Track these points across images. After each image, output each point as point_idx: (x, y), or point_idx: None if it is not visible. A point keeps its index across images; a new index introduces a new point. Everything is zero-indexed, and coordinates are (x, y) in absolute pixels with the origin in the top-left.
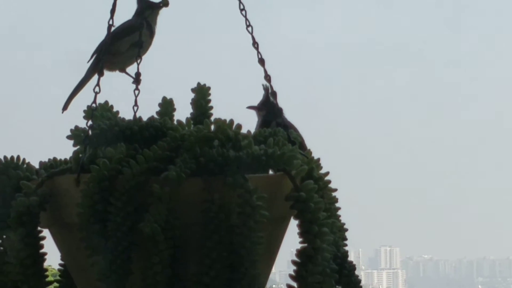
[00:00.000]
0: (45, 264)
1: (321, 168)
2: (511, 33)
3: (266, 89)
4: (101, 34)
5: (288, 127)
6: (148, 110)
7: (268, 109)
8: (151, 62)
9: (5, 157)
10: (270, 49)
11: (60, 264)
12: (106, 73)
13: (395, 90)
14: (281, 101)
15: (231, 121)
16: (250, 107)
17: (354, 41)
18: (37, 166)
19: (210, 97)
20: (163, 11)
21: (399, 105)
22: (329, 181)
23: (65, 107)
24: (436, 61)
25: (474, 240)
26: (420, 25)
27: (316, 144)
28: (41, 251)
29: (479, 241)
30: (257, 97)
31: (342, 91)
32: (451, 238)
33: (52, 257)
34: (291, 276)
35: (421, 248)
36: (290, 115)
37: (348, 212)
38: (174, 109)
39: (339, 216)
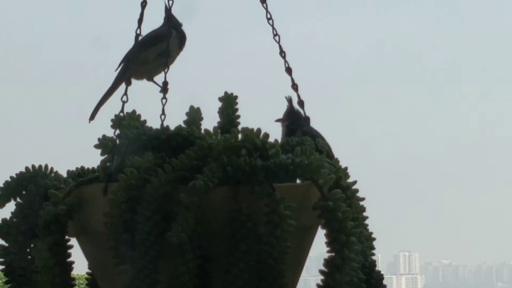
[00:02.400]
0: (73, 273)
1: (348, 177)
2: None
3: (289, 100)
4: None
5: (315, 135)
6: (176, 119)
7: (292, 118)
8: (180, 70)
9: (33, 166)
10: (302, 56)
11: (87, 273)
12: (134, 82)
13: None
14: (311, 110)
15: (258, 130)
16: (277, 120)
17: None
18: (65, 175)
19: (237, 106)
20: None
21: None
22: (357, 190)
23: (92, 117)
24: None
25: (493, 245)
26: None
27: (343, 151)
28: (69, 259)
29: (499, 246)
30: (285, 106)
31: (372, 99)
32: (470, 243)
33: (80, 266)
34: (318, 286)
35: (440, 253)
36: (318, 123)
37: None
38: (202, 118)
39: (367, 225)
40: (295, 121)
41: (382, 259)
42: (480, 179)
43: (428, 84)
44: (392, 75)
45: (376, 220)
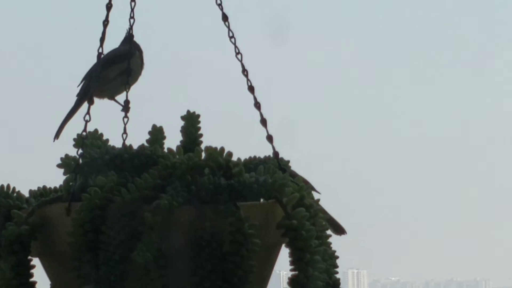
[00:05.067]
0: None
1: (311, 195)
2: None
3: None
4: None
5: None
6: (138, 138)
7: None
8: (141, 90)
9: None
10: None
11: None
12: (96, 100)
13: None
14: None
15: (222, 148)
16: None
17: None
18: (26, 194)
19: (199, 125)
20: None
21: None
22: (320, 208)
23: (56, 136)
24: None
25: (441, 262)
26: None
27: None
28: (31, 279)
29: (446, 263)
30: (248, 123)
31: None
32: (418, 260)
33: (42, 286)
34: None
35: (388, 271)
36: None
37: None
38: (164, 137)
39: (330, 243)
40: None
41: None
42: (427, 197)
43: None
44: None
45: None
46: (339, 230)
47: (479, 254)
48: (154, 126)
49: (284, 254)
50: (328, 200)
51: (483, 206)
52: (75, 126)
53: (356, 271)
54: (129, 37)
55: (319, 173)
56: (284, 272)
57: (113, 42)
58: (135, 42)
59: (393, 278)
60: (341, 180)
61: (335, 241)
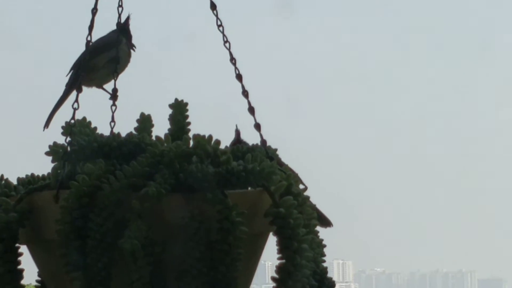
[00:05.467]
0: (22, 281)
1: (299, 183)
2: None
3: (236, 131)
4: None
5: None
6: (127, 126)
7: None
8: (129, 78)
9: None
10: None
11: (37, 281)
12: (84, 89)
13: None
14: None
15: (210, 136)
16: None
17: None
18: (15, 182)
19: (187, 113)
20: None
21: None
22: (308, 197)
23: (46, 124)
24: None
25: (426, 253)
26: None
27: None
28: (19, 267)
29: (432, 254)
30: (235, 112)
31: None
32: (403, 251)
33: (28, 274)
34: None
35: (374, 262)
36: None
37: None
38: (152, 125)
39: (318, 232)
40: None
41: None
42: (413, 189)
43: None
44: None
45: None
46: (325, 222)
47: (464, 245)
48: (142, 114)
49: (269, 245)
50: (314, 191)
51: (468, 198)
52: (64, 114)
53: (342, 261)
54: (117, 25)
55: (307, 165)
56: (270, 263)
57: (101, 30)
58: (126, 29)
59: (378, 269)
60: (326, 171)
61: (321, 232)
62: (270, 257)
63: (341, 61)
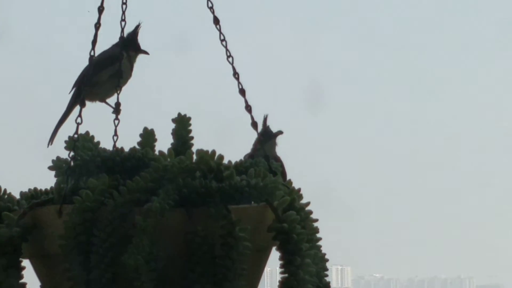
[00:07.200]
0: None
1: (302, 198)
2: None
3: (264, 118)
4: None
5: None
6: (130, 141)
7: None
8: (132, 92)
9: None
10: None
11: None
12: (87, 103)
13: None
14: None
15: (213, 151)
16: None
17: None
18: (18, 196)
19: (190, 127)
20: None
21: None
22: (311, 212)
23: (51, 141)
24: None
25: (425, 259)
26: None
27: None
28: (22, 281)
29: (430, 260)
30: (238, 126)
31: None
32: (402, 257)
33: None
34: None
35: (372, 267)
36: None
37: None
38: (155, 140)
39: (321, 246)
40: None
41: None
42: (411, 193)
43: None
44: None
45: None
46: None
47: (463, 251)
48: (145, 129)
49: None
50: (313, 196)
51: (467, 205)
52: (67, 129)
53: (340, 267)
54: (119, 39)
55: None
56: (269, 268)
57: (104, 44)
58: (134, 38)
59: (377, 275)
60: (325, 176)
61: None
62: (269, 263)
63: None
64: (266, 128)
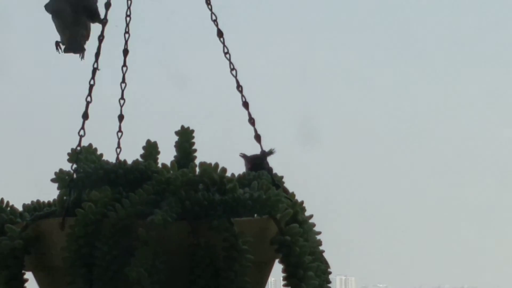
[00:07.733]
0: None
1: (305, 210)
2: None
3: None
4: None
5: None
6: (133, 153)
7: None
8: (136, 104)
9: None
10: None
11: None
12: (90, 115)
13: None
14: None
15: (216, 164)
16: (242, 155)
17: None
18: (20, 208)
19: (194, 140)
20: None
21: None
22: (314, 224)
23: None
24: None
25: (429, 269)
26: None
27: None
28: None
29: (434, 270)
30: (241, 139)
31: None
32: (406, 267)
33: None
34: None
35: (377, 277)
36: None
37: None
38: (158, 152)
39: (323, 258)
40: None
41: None
42: (412, 203)
43: None
44: None
45: None
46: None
47: (466, 261)
48: (148, 141)
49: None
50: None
51: (472, 214)
52: (70, 141)
53: (344, 277)
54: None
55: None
56: (273, 279)
57: (108, 57)
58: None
59: (381, 285)
60: (328, 187)
61: (324, 247)
62: (273, 274)
63: None
64: (255, 155)
